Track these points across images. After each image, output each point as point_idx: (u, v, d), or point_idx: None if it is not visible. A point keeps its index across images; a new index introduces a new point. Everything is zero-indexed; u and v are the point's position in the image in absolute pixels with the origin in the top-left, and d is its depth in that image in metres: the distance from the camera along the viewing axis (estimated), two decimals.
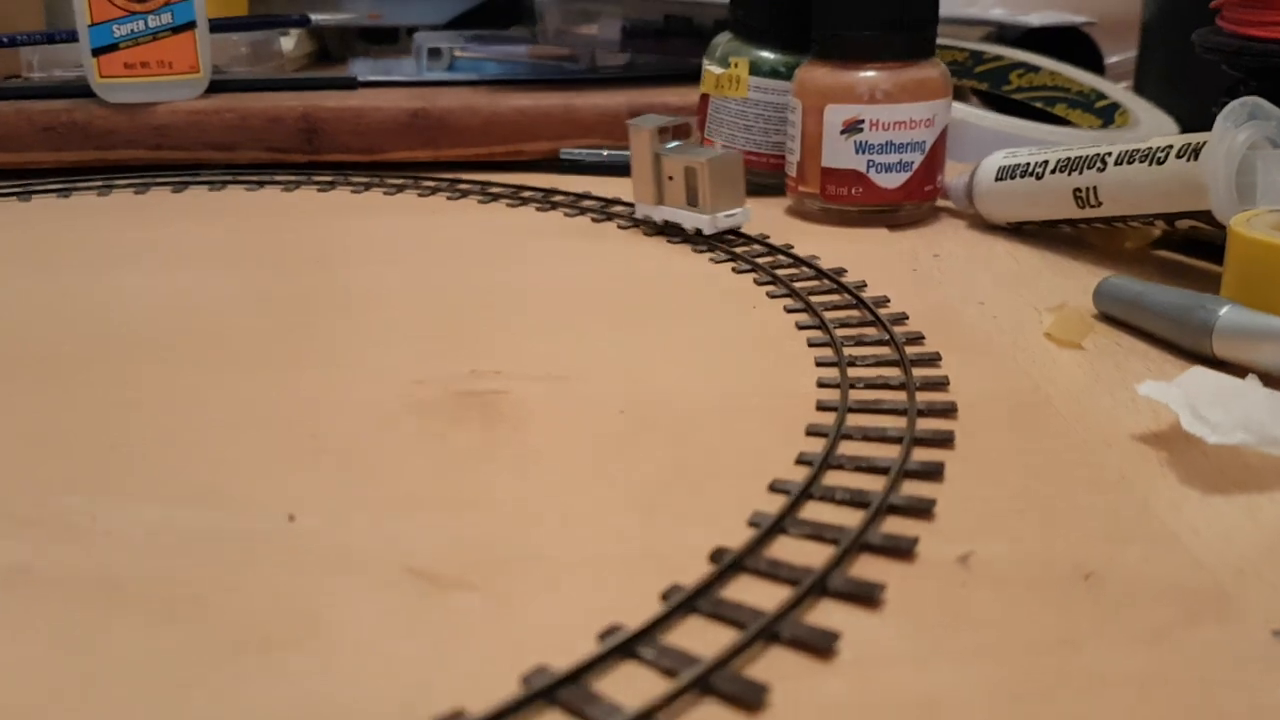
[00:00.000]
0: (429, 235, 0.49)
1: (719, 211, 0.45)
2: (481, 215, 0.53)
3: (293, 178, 0.59)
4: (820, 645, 0.20)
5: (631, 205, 0.52)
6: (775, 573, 0.23)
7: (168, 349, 0.36)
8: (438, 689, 0.19)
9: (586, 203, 0.53)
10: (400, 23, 0.80)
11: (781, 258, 0.44)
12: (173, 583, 0.23)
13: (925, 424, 0.30)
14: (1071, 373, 0.34)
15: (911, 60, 0.48)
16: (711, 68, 0.54)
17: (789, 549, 0.24)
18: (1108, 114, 0.65)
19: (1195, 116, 0.40)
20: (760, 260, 0.44)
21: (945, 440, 0.29)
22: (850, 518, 0.25)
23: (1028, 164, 0.46)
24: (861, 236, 0.48)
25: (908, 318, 0.37)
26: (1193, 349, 0.34)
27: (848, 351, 0.34)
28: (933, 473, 0.27)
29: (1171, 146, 0.40)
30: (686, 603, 0.21)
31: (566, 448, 0.29)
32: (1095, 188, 0.43)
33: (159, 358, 0.35)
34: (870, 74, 0.47)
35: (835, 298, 0.39)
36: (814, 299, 0.39)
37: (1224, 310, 0.33)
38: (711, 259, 0.45)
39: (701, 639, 0.21)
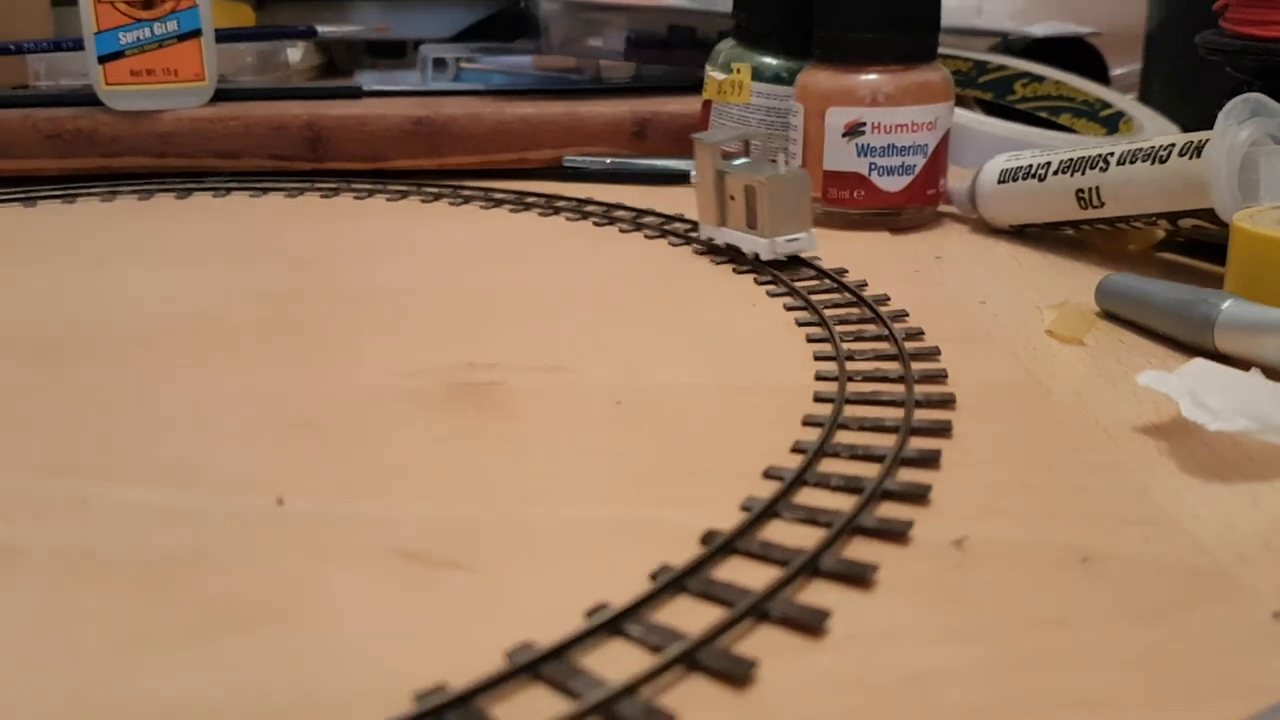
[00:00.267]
0: (431, 237, 0.49)
1: (779, 235, 0.41)
2: (484, 219, 0.53)
3: (296, 185, 0.59)
4: (810, 623, 0.20)
5: (634, 210, 0.52)
6: (767, 554, 0.22)
7: (164, 340, 0.36)
8: (422, 665, 0.19)
9: (590, 208, 0.53)
10: (407, 36, 0.80)
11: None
12: (157, 561, 0.23)
13: (923, 414, 0.29)
14: (1072, 367, 0.33)
15: (913, 63, 0.47)
16: (714, 74, 0.54)
17: (781, 532, 0.24)
18: (1112, 123, 0.65)
19: (1201, 124, 0.40)
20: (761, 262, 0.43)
21: (943, 430, 0.28)
22: (845, 503, 0.24)
23: (1030, 166, 0.46)
24: (863, 239, 0.47)
25: (908, 314, 0.37)
26: (1195, 344, 0.34)
27: (846, 346, 0.34)
28: (929, 460, 0.27)
29: (1174, 145, 0.40)
30: (675, 582, 0.21)
31: (560, 434, 0.29)
32: (1098, 188, 0.43)
33: (155, 348, 0.35)
34: (872, 77, 0.47)
35: (835, 296, 0.39)
36: (814, 297, 0.39)
37: (1226, 304, 0.33)
38: (713, 260, 0.45)
39: (690, 618, 0.20)
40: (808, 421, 0.29)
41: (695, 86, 0.57)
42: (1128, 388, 0.31)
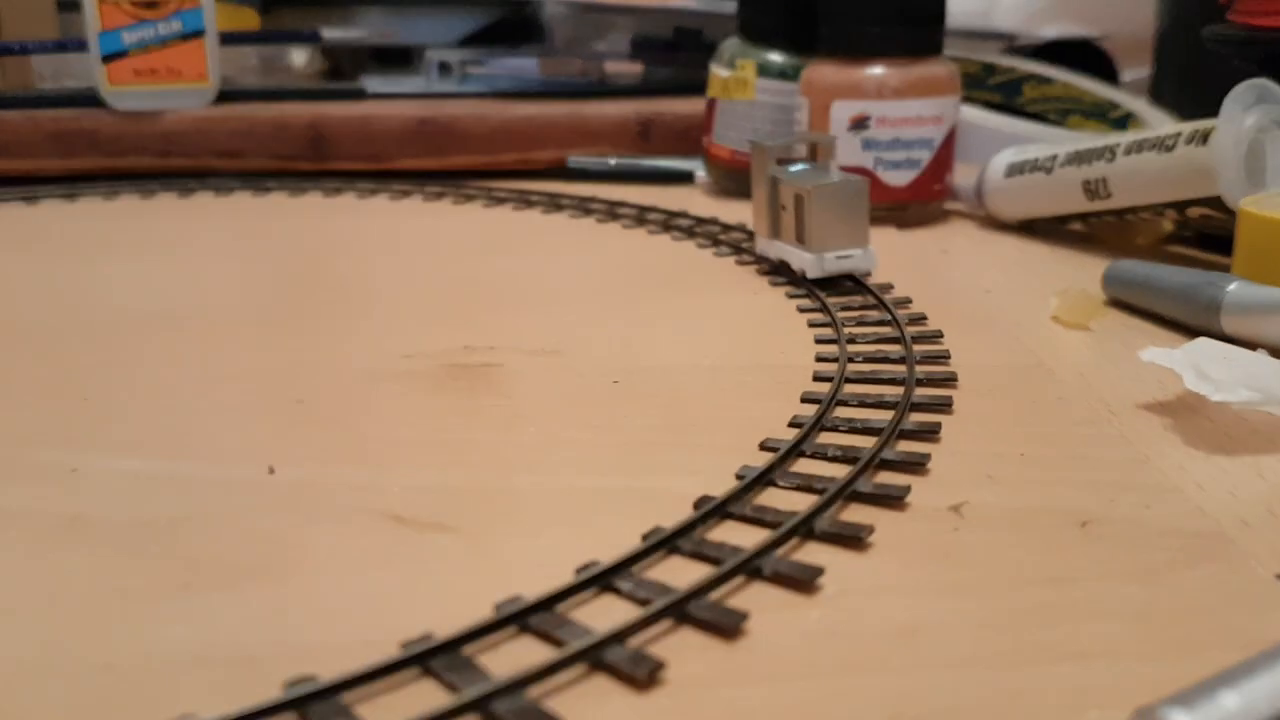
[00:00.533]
0: (433, 233, 0.49)
1: (829, 250, 0.37)
2: (487, 216, 0.52)
3: (300, 184, 0.58)
4: (802, 578, 0.20)
5: (637, 208, 0.51)
6: (761, 517, 0.22)
7: (161, 326, 0.36)
8: (409, 618, 0.18)
9: (593, 205, 0.53)
10: (412, 42, 0.80)
11: None
12: (144, 523, 0.22)
13: (924, 392, 0.29)
14: (1077, 350, 0.33)
15: (919, 56, 0.47)
16: (719, 71, 0.54)
17: (777, 498, 0.23)
18: (1122, 124, 0.64)
19: None
20: (767, 255, 0.43)
21: (943, 405, 0.28)
22: (841, 472, 0.24)
23: (1037, 159, 0.45)
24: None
25: (911, 301, 0.37)
26: (1202, 327, 0.33)
27: (848, 330, 0.34)
28: (929, 432, 0.26)
29: (1180, 133, 0.40)
30: (667, 541, 0.21)
31: (555, 410, 0.28)
32: (1105, 179, 0.42)
33: (152, 333, 0.35)
34: (878, 70, 0.47)
35: (838, 285, 0.39)
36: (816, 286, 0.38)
37: (1232, 286, 0.33)
38: (715, 253, 0.44)
39: (681, 575, 0.20)
40: (806, 398, 0.29)
41: (700, 88, 0.57)
42: (1132, 368, 0.31)
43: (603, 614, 0.19)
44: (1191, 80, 0.65)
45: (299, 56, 0.75)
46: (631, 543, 0.21)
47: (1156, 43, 0.69)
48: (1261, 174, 0.38)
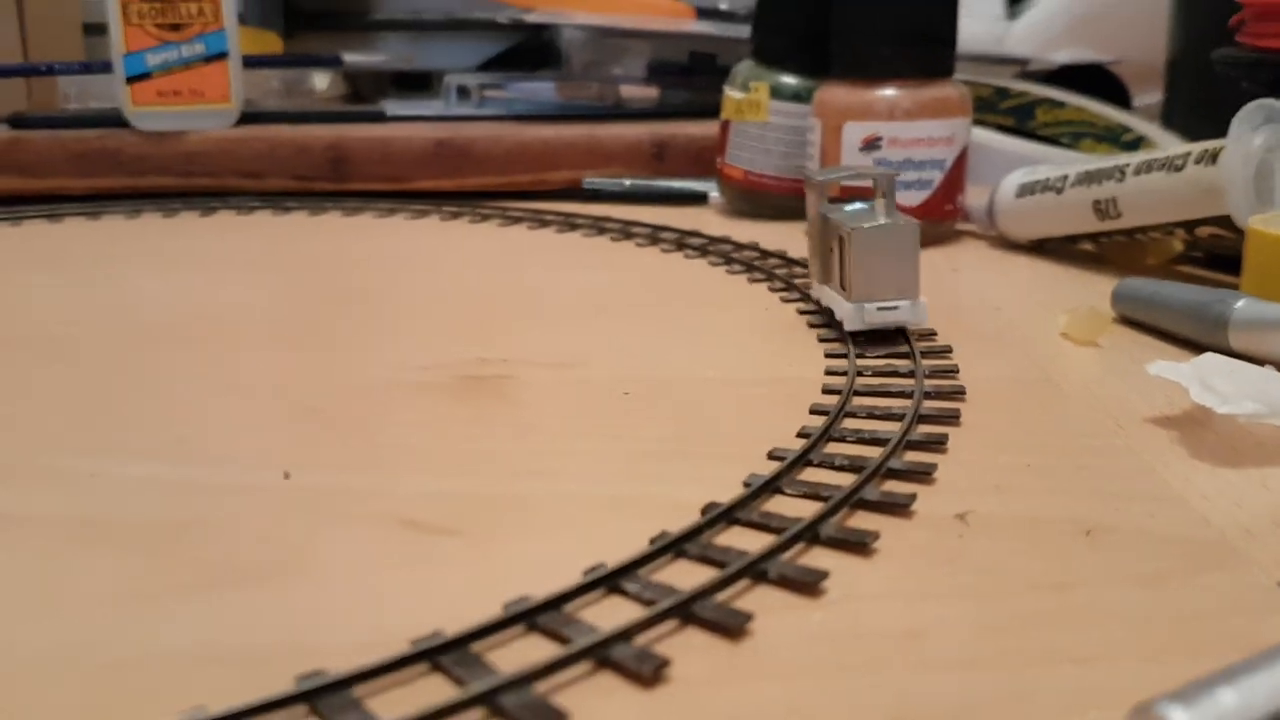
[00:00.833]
0: (449, 250, 0.50)
1: (870, 300, 0.33)
2: (502, 235, 0.53)
3: (320, 204, 0.59)
4: (807, 582, 0.20)
5: (651, 227, 0.52)
6: (767, 523, 0.22)
7: (180, 337, 0.36)
8: (419, 617, 0.19)
9: (607, 225, 0.53)
10: (431, 67, 0.81)
11: (798, 269, 0.44)
12: (160, 526, 0.23)
13: (931, 404, 0.29)
14: (1085, 365, 0.33)
15: (930, 79, 0.48)
16: (733, 93, 0.54)
17: (783, 505, 0.23)
18: (1134, 148, 0.64)
19: None
20: (777, 272, 0.44)
21: (951, 417, 0.28)
22: (848, 480, 0.24)
23: (1048, 179, 0.46)
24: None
25: None
26: (1210, 344, 0.33)
27: (857, 346, 0.34)
28: (936, 443, 0.26)
29: (1189, 153, 0.40)
30: (674, 545, 0.21)
31: (565, 420, 0.29)
32: (1115, 199, 0.43)
33: (171, 344, 0.36)
34: (889, 92, 0.47)
35: None
36: None
37: (1240, 303, 0.33)
38: (728, 270, 0.45)
39: (687, 578, 0.20)
40: (815, 410, 0.29)
41: (714, 111, 0.58)
42: (1139, 382, 0.31)
43: (609, 614, 0.19)
44: (1203, 104, 0.65)
45: (320, 80, 0.76)
46: (638, 545, 0.21)
47: (1168, 68, 0.69)
48: (1270, 193, 0.38)
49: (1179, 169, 0.40)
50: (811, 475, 0.25)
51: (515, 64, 0.81)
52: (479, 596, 0.19)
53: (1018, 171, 0.48)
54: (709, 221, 0.54)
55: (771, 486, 0.24)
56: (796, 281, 0.42)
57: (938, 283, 0.43)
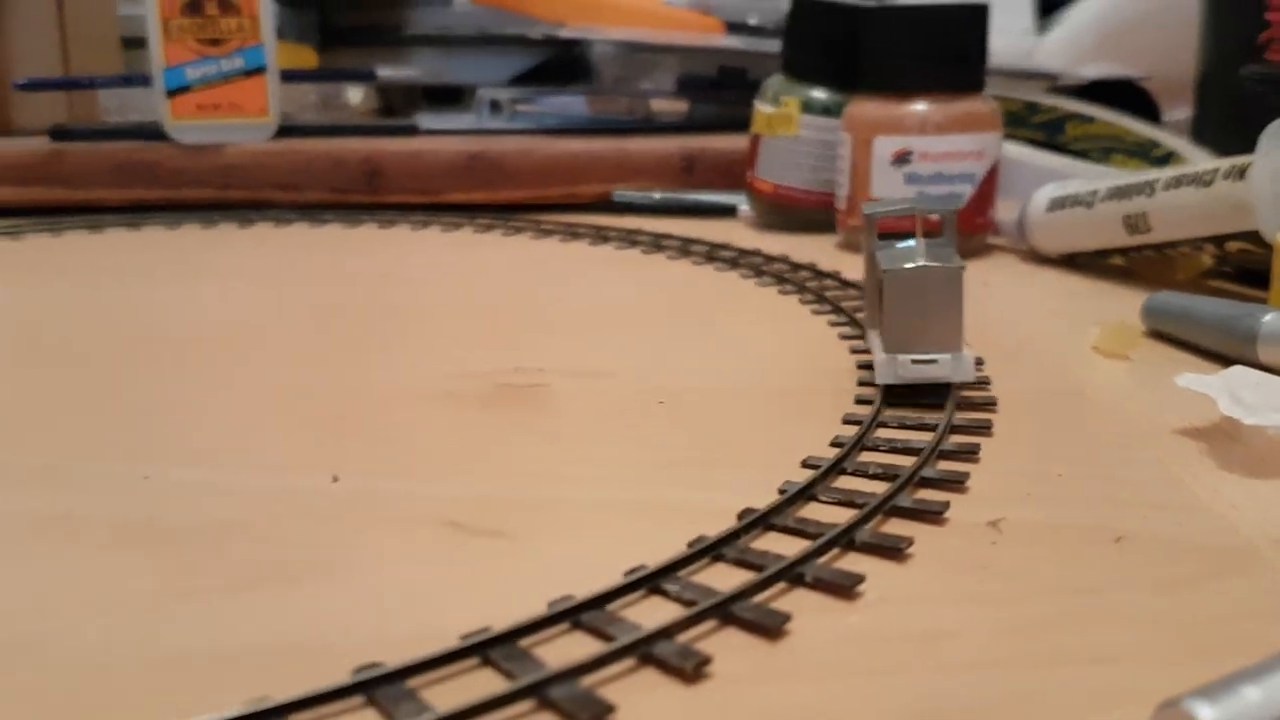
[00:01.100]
0: (483, 262, 0.50)
1: (905, 351, 0.29)
2: (535, 247, 0.54)
3: (355, 216, 0.60)
4: (843, 585, 0.20)
5: (681, 239, 0.52)
6: (803, 529, 0.23)
7: (223, 346, 0.37)
8: (467, 614, 0.19)
9: (638, 237, 0.54)
10: (464, 81, 0.82)
11: (829, 281, 0.44)
12: (209, 526, 0.23)
13: (963, 415, 0.30)
14: (1115, 378, 0.34)
15: (961, 93, 0.48)
16: (763, 107, 0.55)
17: (819, 512, 0.24)
18: (1163, 163, 0.65)
19: None
20: (808, 284, 0.44)
21: (983, 427, 0.29)
22: (882, 489, 0.25)
23: (1078, 193, 0.46)
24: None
25: None
26: (1239, 357, 0.34)
27: None
28: (968, 452, 0.27)
29: (1218, 169, 0.40)
30: (712, 548, 0.22)
31: (602, 427, 0.29)
32: (1145, 214, 0.43)
33: (214, 353, 0.36)
34: (920, 106, 0.48)
35: None
36: (860, 315, 0.39)
37: (1268, 317, 0.33)
38: (758, 283, 0.45)
39: (726, 580, 0.21)
40: (848, 420, 0.30)
41: (743, 125, 0.58)
42: (1169, 394, 0.31)
43: (651, 614, 0.20)
44: (1232, 120, 0.65)
45: (355, 94, 0.77)
46: (676, 549, 0.22)
47: (1198, 83, 0.70)
48: None
49: (1208, 184, 0.41)
50: (845, 483, 0.25)
51: (546, 78, 0.82)
52: (523, 595, 0.20)
53: (1049, 186, 0.48)
54: (739, 234, 0.55)
55: (806, 493, 0.24)
56: (828, 294, 0.42)
57: (969, 295, 0.43)
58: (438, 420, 0.30)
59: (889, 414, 0.30)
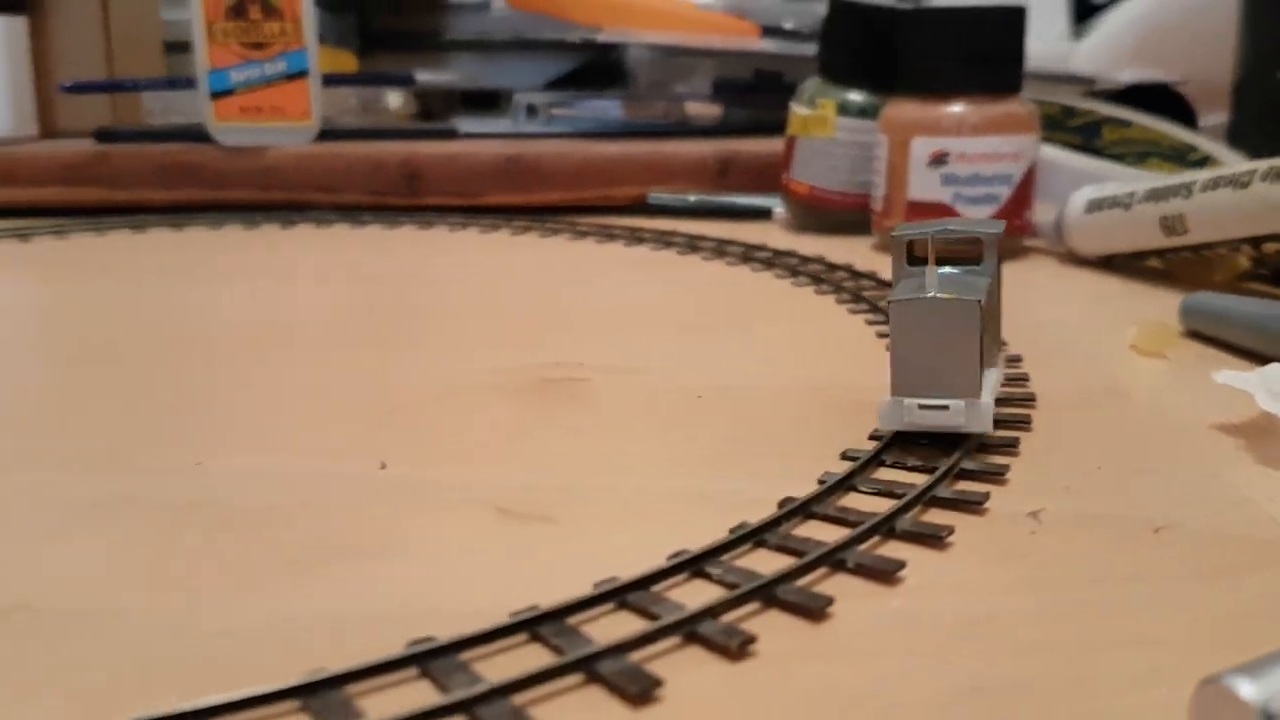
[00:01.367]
0: (521, 262, 0.51)
1: (913, 394, 0.26)
2: (572, 248, 0.54)
3: (394, 218, 0.61)
4: (885, 570, 0.21)
5: (716, 240, 0.53)
6: (843, 517, 0.23)
7: (269, 342, 0.38)
8: (516, 595, 0.20)
9: (673, 238, 0.54)
10: (501, 86, 0.82)
11: (865, 281, 0.45)
12: (263, 509, 0.24)
13: (1003, 410, 0.30)
14: (1153, 376, 0.34)
15: (998, 95, 0.48)
16: (799, 109, 0.55)
17: (858, 502, 0.24)
18: (1200, 167, 0.65)
19: None
20: (845, 284, 0.44)
21: (1022, 422, 0.29)
22: (922, 480, 0.25)
23: (1116, 195, 0.46)
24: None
25: None
26: (1276, 356, 0.34)
27: None
28: (1008, 446, 0.27)
29: (1255, 170, 0.40)
30: (754, 534, 0.22)
31: (641, 421, 0.30)
32: (1182, 215, 0.43)
33: (261, 349, 0.37)
34: (957, 108, 0.48)
35: None
36: None
37: None
38: (794, 283, 0.46)
39: (769, 566, 0.21)
40: None
41: (778, 128, 0.59)
42: (1206, 392, 0.31)
43: (694, 596, 0.20)
44: (1270, 123, 0.65)
45: (394, 99, 0.78)
46: (719, 537, 0.22)
47: (1234, 88, 0.69)
48: None
49: (1245, 186, 0.41)
50: (885, 474, 0.26)
51: (582, 83, 0.82)
52: (569, 578, 0.20)
53: (1086, 188, 0.48)
54: (774, 236, 0.55)
55: (846, 483, 0.25)
56: (865, 294, 0.42)
57: (1007, 296, 0.43)
58: (480, 412, 0.31)
59: None
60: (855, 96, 0.54)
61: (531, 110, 0.74)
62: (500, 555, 0.22)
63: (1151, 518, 0.23)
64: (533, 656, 0.18)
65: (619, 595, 0.19)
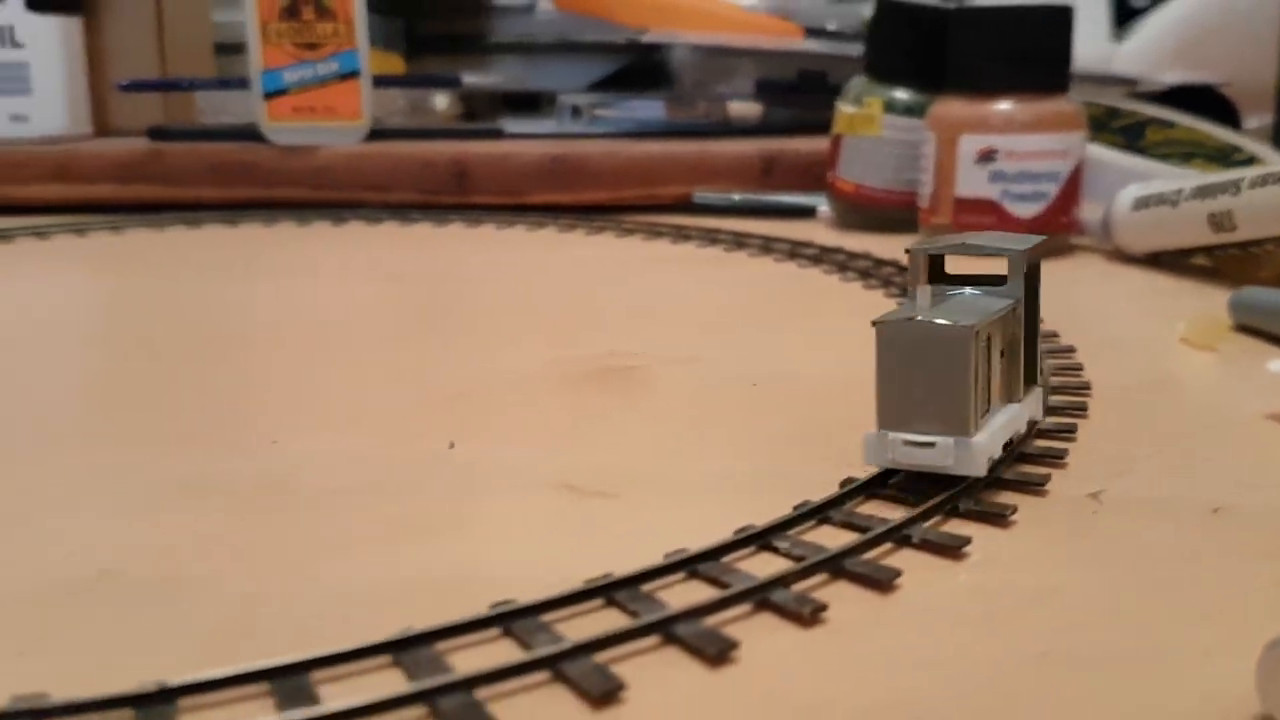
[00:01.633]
0: (569, 259, 0.52)
1: (899, 428, 0.23)
2: (619, 246, 0.55)
3: (443, 216, 0.62)
4: (950, 546, 0.21)
5: (764, 238, 0.53)
6: (905, 498, 0.23)
7: (332, 334, 0.39)
8: (589, 564, 0.20)
9: (719, 236, 0.55)
10: (544, 87, 0.83)
11: None
12: (339, 486, 0.25)
13: (1058, 399, 0.30)
14: (1205, 368, 0.34)
15: (1046, 93, 0.49)
16: (845, 108, 0.56)
17: (919, 482, 0.24)
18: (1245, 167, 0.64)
19: None
20: (893, 280, 0.45)
21: (1079, 409, 0.29)
22: None
23: (1163, 192, 0.46)
24: (995, 266, 0.48)
25: (1042, 321, 0.38)
26: None
27: None
28: (1066, 431, 0.27)
29: None
30: (818, 510, 0.22)
31: (699, 407, 0.30)
32: (1230, 212, 0.43)
33: (325, 341, 0.38)
34: (1005, 106, 0.48)
35: None
36: None
37: None
38: (842, 278, 0.46)
39: (834, 539, 0.21)
40: None
41: (822, 128, 0.59)
42: (1259, 382, 0.32)
43: (761, 568, 0.20)
44: None
45: (441, 100, 0.79)
46: (783, 510, 0.23)
47: (1278, 89, 0.69)
48: None
49: None
50: None
51: (624, 84, 0.83)
52: (639, 549, 0.21)
53: (1133, 185, 0.48)
54: (819, 234, 0.56)
55: None
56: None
57: (1056, 291, 0.43)
58: (541, 398, 0.31)
59: None
60: (902, 95, 0.54)
61: (575, 111, 0.74)
62: (571, 529, 0.22)
63: (1209, 499, 0.24)
64: (610, 620, 0.18)
65: (690, 565, 0.20)
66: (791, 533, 0.22)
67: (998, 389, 0.24)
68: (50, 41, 0.66)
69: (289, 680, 0.16)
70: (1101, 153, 0.60)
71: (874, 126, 0.54)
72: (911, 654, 0.18)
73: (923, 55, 0.52)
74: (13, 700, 0.16)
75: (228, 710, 0.16)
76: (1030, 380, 0.26)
